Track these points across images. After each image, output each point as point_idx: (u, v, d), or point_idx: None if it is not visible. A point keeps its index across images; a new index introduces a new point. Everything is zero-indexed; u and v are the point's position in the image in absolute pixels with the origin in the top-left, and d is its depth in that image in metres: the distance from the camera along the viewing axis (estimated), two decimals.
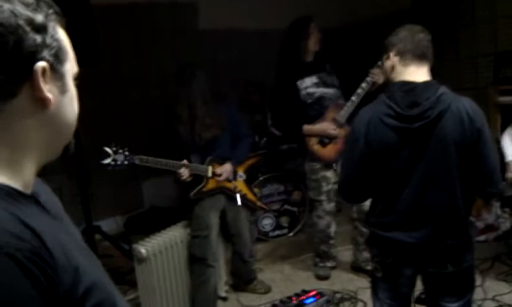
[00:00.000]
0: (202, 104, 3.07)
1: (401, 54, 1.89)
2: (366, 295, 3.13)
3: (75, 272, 0.71)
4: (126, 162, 2.85)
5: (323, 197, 3.52)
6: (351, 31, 5.39)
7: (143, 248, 2.92)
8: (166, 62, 4.58)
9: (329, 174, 3.48)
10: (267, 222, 4.18)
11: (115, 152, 2.84)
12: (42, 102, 0.73)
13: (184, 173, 3.00)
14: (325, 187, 3.49)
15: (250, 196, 3.39)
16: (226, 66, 4.87)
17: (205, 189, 3.16)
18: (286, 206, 4.25)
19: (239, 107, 4.28)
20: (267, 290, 3.50)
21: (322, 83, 3.46)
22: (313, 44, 3.43)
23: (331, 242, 3.66)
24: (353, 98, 3.29)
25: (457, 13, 4.62)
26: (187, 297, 3.20)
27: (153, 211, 4.66)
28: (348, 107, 3.33)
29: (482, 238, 3.86)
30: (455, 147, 1.79)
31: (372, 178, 1.92)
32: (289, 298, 3.06)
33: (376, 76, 3.17)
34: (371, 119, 1.87)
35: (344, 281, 3.54)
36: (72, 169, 3.43)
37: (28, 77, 0.71)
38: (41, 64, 0.71)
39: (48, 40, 0.73)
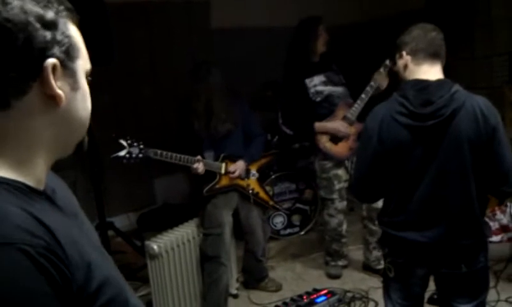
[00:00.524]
0: (219, 99, 3.12)
1: (414, 53, 1.89)
2: (377, 294, 3.12)
3: (88, 268, 0.71)
4: (141, 155, 2.86)
5: (335, 196, 3.51)
6: (363, 29, 5.36)
7: (155, 245, 2.94)
8: (179, 60, 4.61)
9: (341, 172, 3.47)
10: (278, 221, 4.18)
11: (130, 145, 2.85)
12: (53, 99, 0.72)
13: (199, 166, 3.02)
14: (337, 186, 3.48)
15: (263, 194, 3.40)
16: (239, 64, 4.87)
17: (218, 186, 3.18)
18: (298, 205, 4.24)
19: (253, 105, 4.30)
20: (278, 288, 3.50)
21: (330, 81, 3.48)
22: (321, 45, 3.44)
23: (343, 240, 3.65)
24: (363, 95, 3.29)
25: (472, 11, 4.57)
26: (199, 294, 3.21)
27: (166, 208, 4.69)
28: (358, 105, 3.34)
29: (496, 238, 3.81)
30: (469, 145, 1.77)
31: (386, 177, 1.91)
32: (300, 296, 3.06)
33: (378, 81, 3.19)
34: (384, 118, 1.86)
35: (356, 281, 3.52)
36: (86, 165, 3.46)
37: (38, 74, 0.70)
38: (51, 61, 0.71)
39: (59, 37, 0.73)
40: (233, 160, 3.22)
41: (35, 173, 0.75)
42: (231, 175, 3.18)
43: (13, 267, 0.61)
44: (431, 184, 1.83)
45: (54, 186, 0.82)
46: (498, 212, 3.92)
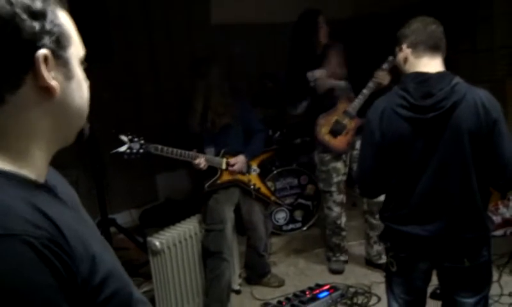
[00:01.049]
0: (218, 96, 3.12)
1: (414, 46, 1.88)
2: (380, 289, 3.12)
3: (92, 261, 0.70)
4: (141, 151, 2.86)
5: (333, 189, 3.52)
6: (364, 22, 5.34)
7: (158, 241, 2.94)
8: (179, 56, 4.61)
9: (339, 165, 3.49)
10: (280, 216, 4.18)
11: (131, 140, 2.85)
12: (47, 90, 0.71)
13: (201, 161, 3.02)
14: (335, 178, 3.50)
15: (264, 189, 3.40)
16: (239, 60, 4.87)
17: (219, 181, 3.18)
18: (300, 200, 4.24)
19: (253, 100, 4.29)
20: (281, 284, 3.50)
21: (332, 75, 3.46)
22: (323, 37, 3.45)
23: (343, 233, 3.65)
24: (365, 90, 3.28)
25: (474, 4, 4.55)
26: (201, 290, 3.21)
27: (168, 204, 4.69)
28: (359, 100, 3.33)
29: (499, 233, 3.80)
30: (470, 137, 1.76)
31: (388, 171, 1.90)
32: (303, 292, 3.06)
33: (380, 78, 3.18)
34: (385, 110, 1.86)
35: (358, 275, 3.52)
36: (87, 163, 3.47)
37: (30, 66, 0.69)
38: (42, 52, 0.69)
39: (48, 26, 0.70)
40: (234, 156, 3.23)
41: (36, 166, 0.74)
42: (231, 168, 3.18)
43: (17, 259, 0.60)
44: (433, 177, 1.82)
45: (55, 183, 0.81)
46: (501, 206, 3.91)
